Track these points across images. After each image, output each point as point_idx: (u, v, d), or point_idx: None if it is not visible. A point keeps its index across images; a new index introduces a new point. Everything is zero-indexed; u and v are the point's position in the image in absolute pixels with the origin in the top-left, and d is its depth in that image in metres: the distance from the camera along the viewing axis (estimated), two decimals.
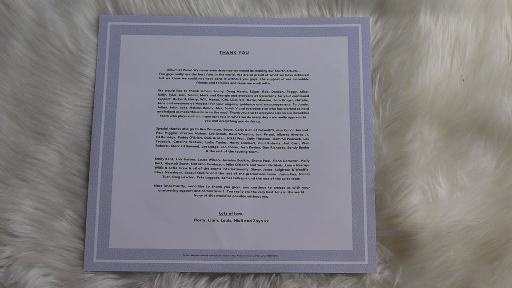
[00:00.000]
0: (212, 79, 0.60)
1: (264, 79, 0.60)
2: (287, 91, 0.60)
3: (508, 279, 0.54)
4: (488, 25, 0.59)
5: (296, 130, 0.59)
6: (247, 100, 0.60)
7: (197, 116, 0.59)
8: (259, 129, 0.59)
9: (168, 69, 0.60)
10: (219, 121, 0.59)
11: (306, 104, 0.60)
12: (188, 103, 0.59)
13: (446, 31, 0.59)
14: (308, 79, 0.60)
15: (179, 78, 0.60)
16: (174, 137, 0.59)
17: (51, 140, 0.57)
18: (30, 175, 0.56)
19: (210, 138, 0.59)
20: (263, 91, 0.60)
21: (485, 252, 0.54)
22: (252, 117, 0.59)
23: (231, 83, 0.60)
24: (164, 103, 0.59)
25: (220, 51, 0.61)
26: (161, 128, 0.59)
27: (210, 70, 0.60)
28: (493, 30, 0.59)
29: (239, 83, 0.60)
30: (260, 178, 0.58)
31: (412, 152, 0.57)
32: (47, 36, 0.59)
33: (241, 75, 0.60)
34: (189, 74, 0.60)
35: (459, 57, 0.59)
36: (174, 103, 0.59)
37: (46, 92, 0.58)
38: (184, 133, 0.59)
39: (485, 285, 0.54)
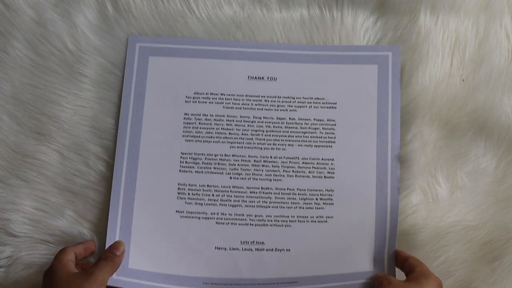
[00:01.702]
0: (239, 104, 0.59)
1: (291, 106, 0.59)
2: (314, 119, 0.59)
3: (508, 279, 0.54)
4: (488, 25, 0.59)
5: (322, 159, 0.58)
6: (273, 127, 0.59)
7: (222, 142, 0.58)
8: (284, 157, 0.58)
9: (195, 93, 0.59)
10: (244, 147, 0.58)
11: (333, 133, 0.58)
12: (213, 128, 0.59)
13: (446, 31, 0.59)
14: (335, 108, 0.59)
15: (206, 102, 0.59)
16: (198, 163, 0.58)
17: (51, 140, 0.57)
18: (30, 175, 0.56)
19: (235, 165, 0.58)
20: (289, 118, 0.59)
21: (485, 252, 0.54)
22: (278, 144, 0.58)
23: (257, 109, 0.59)
24: (189, 127, 0.58)
25: (248, 76, 0.60)
26: (185, 153, 0.58)
27: (237, 95, 0.60)
28: (493, 30, 0.59)
29: (266, 109, 0.59)
30: (284, 207, 0.57)
31: (412, 152, 0.57)
32: (47, 36, 0.59)
33: (268, 101, 0.59)
34: (216, 99, 0.59)
35: (459, 57, 0.59)
36: (200, 128, 0.59)
37: (46, 92, 0.58)
38: (209, 159, 0.58)
39: (485, 285, 0.54)
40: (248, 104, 0.59)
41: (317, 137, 0.58)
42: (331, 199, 0.57)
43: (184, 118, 0.59)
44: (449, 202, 0.56)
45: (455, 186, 0.56)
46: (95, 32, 0.60)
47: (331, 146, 0.58)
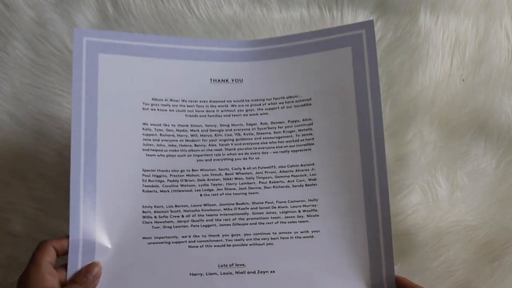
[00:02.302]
0: (203, 111, 0.53)
1: (262, 109, 0.53)
2: (288, 121, 0.53)
3: (508, 279, 0.54)
4: (488, 25, 0.59)
5: (301, 165, 0.52)
6: (244, 134, 0.53)
7: (188, 155, 0.52)
8: (258, 167, 0.52)
9: (153, 99, 0.52)
10: (214, 160, 0.52)
11: (311, 134, 0.52)
12: (177, 140, 0.52)
13: (446, 31, 0.59)
14: (310, 104, 0.53)
15: (166, 110, 0.52)
16: (163, 181, 0.51)
17: (51, 140, 0.57)
18: (30, 175, 0.56)
19: (204, 180, 0.51)
20: (261, 123, 0.53)
21: (485, 252, 0.54)
22: (251, 153, 0.52)
23: (224, 115, 0.53)
24: (150, 140, 0.51)
25: (211, 79, 0.53)
26: (147, 170, 0.51)
27: (200, 101, 0.53)
28: (493, 30, 0.59)
29: (234, 115, 0.53)
30: (263, 223, 0.51)
31: (412, 152, 0.57)
32: (47, 36, 0.59)
33: (235, 106, 0.53)
34: (177, 106, 0.52)
35: (459, 57, 0.59)
36: (162, 140, 0.51)
37: (46, 92, 0.58)
38: (174, 176, 0.51)
39: (485, 285, 0.54)
40: (213, 111, 0.53)
41: (293, 140, 0.52)
42: (316, 210, 0.51)
43: (143, 128, 0.51)
44: (449, 202, 0.56)
45: (455, 186, 0.56)
46: None
47: (310, 149, 0.52)
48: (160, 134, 0.51)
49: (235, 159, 0.52)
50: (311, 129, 0.53)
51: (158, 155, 0.51)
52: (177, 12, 0.62)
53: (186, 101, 0.53)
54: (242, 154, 0.53)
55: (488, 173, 0.56)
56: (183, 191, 0.51)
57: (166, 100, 0.52)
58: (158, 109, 0.52)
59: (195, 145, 0.52)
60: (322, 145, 0.52)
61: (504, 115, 0.57)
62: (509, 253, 0.54)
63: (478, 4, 0.60)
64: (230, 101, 0.53)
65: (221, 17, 0.62)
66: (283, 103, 0.53)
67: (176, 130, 0.52)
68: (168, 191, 0.51)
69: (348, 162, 0.51)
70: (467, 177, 0.56)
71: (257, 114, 0.53)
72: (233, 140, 0.53)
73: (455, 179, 0.56)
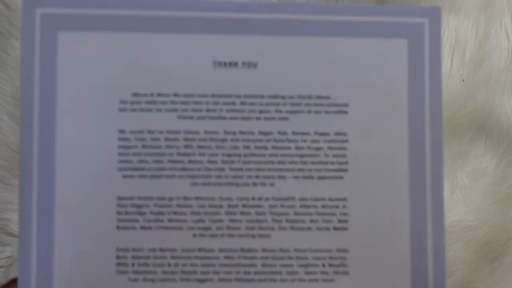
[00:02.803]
0: (201, 111, 0.38)
1: (281, 111, 0.38)
2: (315, 133, 0.38)
3: (508, 279, 0.54)
4: (488, 25, 0.59)
5: (329, 199, 0.38)
6: (255, 148, 0.38)
7: (179, 177, 0.38)
8: (273, 198, 0.38)
9: (134, 94, 0.38)
10: (213, 184, 0.38)
11: (344, 155, 0.38)
12: (165, 154, 0.38)
13: (446, 31, 0.59)
14: (347, 112, 0.38)
15: (151, 110, 0.38)
16: (145, 213, 0.38)
17: None
18: None
19: (199, 213, 0.38)
20: (279, 133, 0.38)
21: (485, 252, 0.54)
22: (263, 176, 0.38)
23: (230, 118, 0.38)
24: (128, 154, 0.38)
25: (214, 62, 0.39)
26: (124, 198, 0.38)
27: (198, 96, 0.38)
28: (493, 30, 0.59)
29: (243, 118, 0.38)
30: (275, 279, 0.38)
31: None
32: None
33: (245, 103, 0.38)
34: (167, 103, 0.38)
35: (459, 57, 0.59)
36: (144, 154, 0.38)
37: None
38: (160, 206, 0.38)
39: (485, 285, 0.54)
40: (216, 111, 0.39)
41: (320, 162, 0.38)
42: (345, 265, 0.38)
43: (119, 138, 0.38)
44: (449, 202, 0.56)
45: (455, 186, 0.56)
46: None
47: (342, 177, 0.38)
48: (143, 146, 0.38)
49: (242, 185, 0.38)
50: (345, 148, 0.38)
51: (139, 177, 0.38)
52: None
53: (179, 95, 0.39)
54: (251, 177, 0.39)
55: (488, 173, 0.56)
56: (171, 228, 0.38)
57: (152, 95, 0.38)
58: (140, 109, 0.38)
59: (189, 161, 0.38)
60: (358, 173, 0.38)
61: (504, 115, 0.57)
62: (509, 253, 0.54)
63: (478, 4, 0.60)
64: (240, 96, 0.39)
65: None
66: (309, 105, 0.39)
67: (165, 139, 0.38)
68: (151, 227, 0.38)
69: (391, 200, 0.38)
70: (467, 177, 0.56)
71: (274, 119, 0.39)
72: (239, 155, 0.38)
73: (455, 179, 0.56)
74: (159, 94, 0.38)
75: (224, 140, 0.38)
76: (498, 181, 0.56)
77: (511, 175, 0.56)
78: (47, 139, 0.37)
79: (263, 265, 0.38)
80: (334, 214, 0.38)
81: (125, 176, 0.38)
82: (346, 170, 0.38)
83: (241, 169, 0.38)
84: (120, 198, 0.38)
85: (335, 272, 0.38)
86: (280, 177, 0.38)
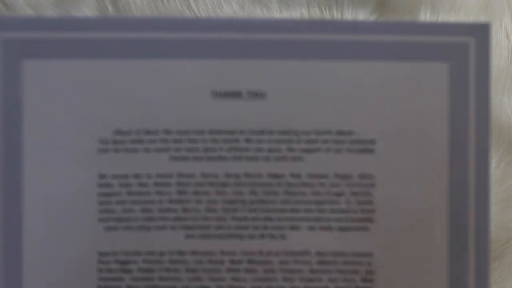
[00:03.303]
0: (198, 150, 0.33)
1: (294, 149, 0.33)
2: (336, 176, 0.33)
3: (508, 279, 0.54)
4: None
5: (352, 254, 0.32)
6: (263, 193, 0.33)
7: (171, 228, 0.33)
8: (284, 252, 0.33)
9: (116, 131, 0.33)
10: (211, 236, 0.33)
11: (370, 202, 0.33)
12: (154, 202, 0.33)
13: None
14: (374, 150, 0.32)
15: (137, 151, 0.32)
16: (131, 271, 0.32)
17: None
18: None
19: (196, 271, 0.32)
20: (291, 175, 0.33)
21: None
22: (273, 227, 0.33)
23: (233, 158, 0.33)
24: (110, 203, 0.33)
25: (213, 93, 0.33)
26: (106, 254, 0.32)
27: (193, 133, 0.33)
28: (493, 30, 0.59)
29: (249, 158, 0.33)
30: None
31: None
32: None
33: (251, 140, 0.33)
34: (156, 142, 0.32)
35: None
36: (130, 203, 0.33)
37: None
38: (149, 262, 0.33)
39: None
40: (216, 150, 0.33)
41: (341, 210, 0.33)
42: None
43: (100, 184, 0.33)
44: None
45: None
46: None
47: (368, 230, 0.33)
48: (128, 193, 0.33)
49: (247, 237, 0.33)
50: (371, 193, 0.33)
51: (124, 229, 0.33)
52: (177, 12, 0.62)
53: (171, 132, 0.33)
54: (258, 228, 0.33)
55: None
56: None
57: (137, 132, 0.33)
58: (125, 150, 0.32)
59: (184, 210, 0.33)
60: (387, 223, 0.33)
61: (504, 115, 0.57)
62: (509, 253, 0.54)
63: (478, 4, 0.60)
64: (244, 132, 0.33)
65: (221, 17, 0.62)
66: (328, 142, 0.33)
67: (154, 184, 0.33)
68: (139, 287, 0.33)
69: (426, 258, 0.33)
70: None
71: (285, 159, 0.33)
72: (244, 202, 0.33)
73: None
74: (147, 132, 0.33)
75: (225, 185, 0.33)
76: (498, 181, 0.56)
77: (511, 175, 0.56)
78: (12, 188, 0.32)
79: None
80: (357, 272, 0.32)
81: (107, 229, 0.33)
82: (372, 220, 0.33)
83: (245, 219, 0.33)
84: (102, 254, 0.33)
85: None
86: (292, 227, 0.33)
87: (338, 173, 0.33)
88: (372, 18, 0.61)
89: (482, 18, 0.60)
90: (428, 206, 0.32)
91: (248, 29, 0.33)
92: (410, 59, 0.32)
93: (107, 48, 0.33)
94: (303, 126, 0.33)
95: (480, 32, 0.33)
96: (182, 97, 0.33)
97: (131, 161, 0.33)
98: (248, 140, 0.33)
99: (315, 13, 0.62)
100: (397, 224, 0.33)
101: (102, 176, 0.33)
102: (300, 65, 0.33)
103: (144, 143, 0.33)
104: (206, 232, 0.33)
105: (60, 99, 0.32)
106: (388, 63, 0.33)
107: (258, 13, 0.62)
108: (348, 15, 0.62)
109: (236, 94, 0.33)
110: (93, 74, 0.33)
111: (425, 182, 0.32)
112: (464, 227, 0.32)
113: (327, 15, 0.62)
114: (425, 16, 0.60)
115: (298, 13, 0.62)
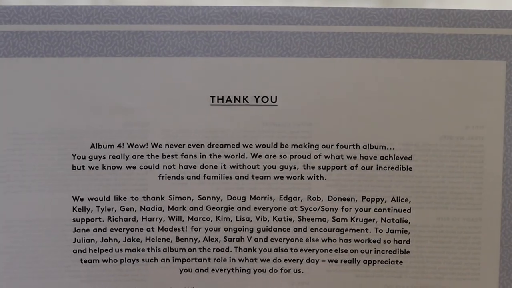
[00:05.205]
0: (195, 167, 0.27)
1: (311, 166, 0.27)
2: (363, 198, 0.27)
3: None
4: None
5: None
6: (274, 219, 0.27)
7: (162, 262, 0.28)
8: None
9: (94, 146, 0.27)
10: (212, 269, 0.28)
11: (405, 231, 0.27)
12: (142, 229, 0.28)
13: None
14: (411, 169, 0.27)
15: (121, 167, 0.27)
16: None
17: None
18: None
19: None
20: (309, 198, 0.27)
21: None
22: (285, 260, 0.28)
23: (236, 177, 0.27)
24: (87, 231, 0.27)
25: (213, 98, 0.27)
26: None
27: (189, 147, 0.27)
28: None
29: (257, 177, 0.27)
30: None
31: None
32: None
33: (258, 156, 0.27)
34: (144, 157, 0.27)
35: None
36: (113, 231, 0.28)
37: None
38: None
39: None
40: (216, 166, 0.27)
41: (370, 240, 0.27)
42: None
43: (75, 208, 0.27)
44: None
45: None
46: None
47: (401, 263, 0.28)
48: (109, 219, 0.27)
49: (255, 271, 0.27)
50: (406, 220, 0.27)
51: (104, 261, 0.27)
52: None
53: (161, 146, 0.27)
54: (268, 261, 0.27)
55: None
56: None
57: (121, 146, 0.27)
58: (104, 166, 0.27)
59: (178, 240, 0.27)
60: (424, 255, 0.27)
61: None
62: None
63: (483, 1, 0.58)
64: (249, 147, 0.27)
65: None
66: (356, 157, 0.27)
67: (141, 208, 0.27)
68: None
69: None
70: None
71: (301, 178, 0.27)
72: (251, 230, 0.27)
73: None
74: (132, 145, 0.27)
75: (228, 209, 0.27)
76: None
77: None
78: None
79: None
80: None
81: (83, 261, 0.28)
82: (407, 252, 0.27)
83: (253, 250, 0.27)
84: None
85: None
86: (310, 261, 0.27)
87: (366, 196, 0.27)
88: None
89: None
90: (472, 230, 0.27)
91: (254, 19, 0.26)
92: (458, 55, 0.26)
93: (78, 43, 0.26)
94: (322, 138, 0.27)
95: None
96: (174, 102, 0.27)
97: (112, 180, 0.27)
98: (255, 155, 0.27)
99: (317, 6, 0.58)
100: (436, 255, 0.27)
101: (77, 199, 0.27)
102: (318, 63, 0.26)
103: (129, 159, 0.27)
104: (204, 266, 0.27)
105: (24, 108, 0.27)
106: (430, 61, 0.26)
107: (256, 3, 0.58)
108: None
109: (242, 98, 0.27)
110: (60, 74, 0.27)
111: (474, 204, 0.27)
112: None
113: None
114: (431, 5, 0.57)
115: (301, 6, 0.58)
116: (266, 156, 0.27)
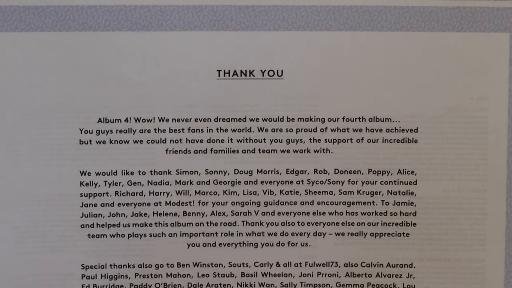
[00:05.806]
0: (202, 141, 0.27)
1: (317, 140, 0.27)
2: (369, 171, 0.28)
3: None
4: None
5: (389, 265, 0.27)
6: (281, 193, 0.27)
7: (170, 236, 0.28)
8: (307, 264, 0.28)
9: (99, 121, 0.27)
10: (218, 245, 0.28)
11: (412, 203, 0.27)
12: (148, 203, 0.28)
13: None
14: (416, 141, 0.27)
15: (128, 142, 0.27)
16: (123, 286, 0.27)
17: None
18: None
19: (201, 286, 0.28)
20: (316, 172, 0.27)
21: None
22: (292, 234, 0.28)
23: (243, 150, 0.27)
24: (93, 207, 0.28)
25: (219, 71, 0.27)
26: (91, 267, 0.27)
27: (195, 121, 0.27)
28: None
29: (262, 150, 0.27)
30: None
31: None
32: None
33: (265, 130, 0.27)
34: (146, 132, 0.27)
35: None
36: (120, 205, 0.28)
37: None
38: (143, 278, 0.27)
39: None
40: (223, 141, 0.27)
41: (376, 213, 0.28)
42: None
43: (83, 183, 0.27)
44: None
45: None
46: None
47: (408, 235, 0.28)
48: (116, 193, 0.27)
49: (262, 245, 0.27)
50: (412, 192, 0.27)
51: (112, 236, 0.27)
52: None
53: (168, 120, 0.27)
54: (276, 235, 0.27)
55: None
56: None
57: (128, 121, 0.27)
58: (111, 141, 0.27)
59: (185, 214, 0.27)
60: (431, 227, 0.28)
61: None
62: None
63: None
64: (256, 121, 0.27)
65: None
66: (362, 130, 0.27)
67: (148, 183, 0.27)
68: None
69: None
70: None
71: (308, 151, 0.27)
72: (258, 204, 0.27)
73: None
74: (138, 119, 0.27)
75: (234, 183, 0.27)
76: None
77: None
78: None
79: None
80: (394, 287, 0.27)
81: (91, 236, 0.28)
82: (413, 225, 0.27)
83: (260, 224, 0.27)
84: (86, 267, 0.28)
85: None
86: (317, 234, 0.27)
87: (372, 169, 0.27)
88: None
89: None
90: (477, 201, 0.27)
91: None
92: (462, 28, 0.27)
93: (85, 18, 0.27)
94: (329, 111, 0.27)
95: None
96: (181, 76, 0.27)
97: (119, 155, 0.27)
98: (261, 129, 0.27)
99: None
100: (440, 227, 0.27)
101: (84, 172, 0.27)
102: (324, 36, 0.26)
103: (134, 133, 0.27)
104: (212, 240, 0.27)
105: (26, 82, 0.27)
106: (435, 34, 0.27)
107: None
108: None
109: (248, 72, 0.27)
110: (67, 49, 0.27)
111: (479, 174, 0.27)
112: None
113: None
114: None
115: None
116: (273, 130, 0.27)
